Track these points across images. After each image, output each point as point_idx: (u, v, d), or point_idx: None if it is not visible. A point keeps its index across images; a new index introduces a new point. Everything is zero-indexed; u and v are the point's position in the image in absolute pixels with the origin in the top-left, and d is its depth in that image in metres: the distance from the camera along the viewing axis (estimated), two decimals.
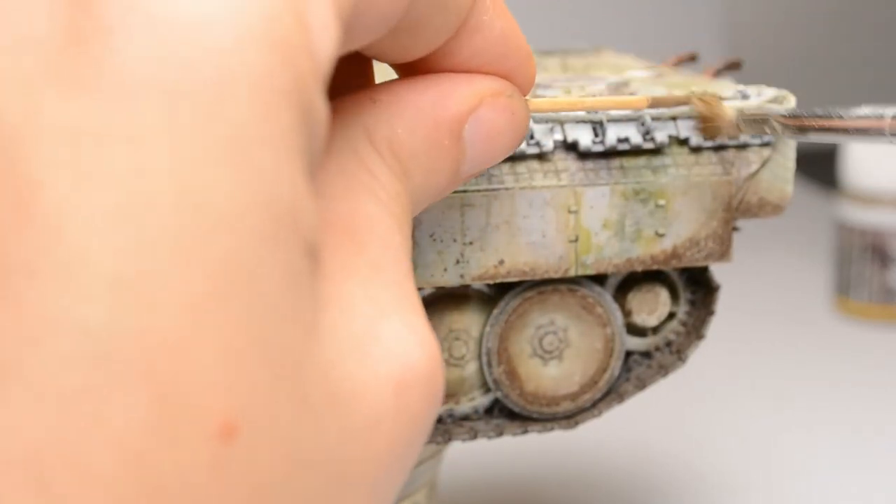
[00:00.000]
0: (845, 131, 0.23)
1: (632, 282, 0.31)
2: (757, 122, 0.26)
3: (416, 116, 0.20)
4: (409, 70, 0.20)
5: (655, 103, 0.29)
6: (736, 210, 0.30)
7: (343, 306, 0.16)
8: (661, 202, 0.29)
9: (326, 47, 0.15)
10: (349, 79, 0.21)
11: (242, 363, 0.14)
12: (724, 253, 0.30)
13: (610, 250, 0.29)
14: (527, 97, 0.22)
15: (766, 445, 0.49)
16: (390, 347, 0.16)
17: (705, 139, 0.29)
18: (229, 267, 0.14)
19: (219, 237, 0.14)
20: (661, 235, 0.29)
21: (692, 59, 0.36)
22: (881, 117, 0.22)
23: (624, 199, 0.29)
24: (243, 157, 0.14)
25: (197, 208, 0.13)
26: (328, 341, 0.15)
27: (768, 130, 0.26)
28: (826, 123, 0.24)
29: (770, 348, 0.60)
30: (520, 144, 0.22)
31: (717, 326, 0.33)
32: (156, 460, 0.13)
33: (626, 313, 0.31)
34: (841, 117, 0.24)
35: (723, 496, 0.44)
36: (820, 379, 0.56)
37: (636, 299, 0.31)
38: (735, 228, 0.30)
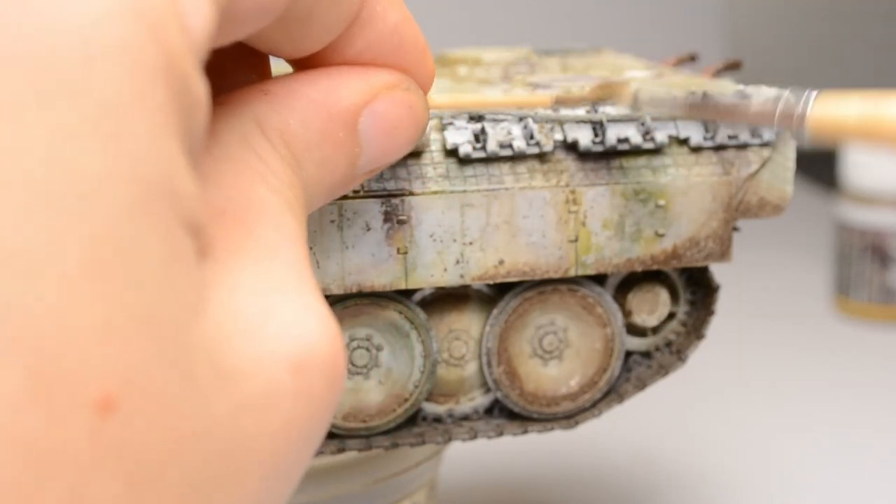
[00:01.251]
0: (744, 117, 0.23)
1: (632, 282, 0.31)
2: (656, 102, 0.26)
3: (308, 108, 0.19)
4: (304, 65, 0.20)
5: (559, 102, 0.29)
6: (736, 210, 0.30)
7: (233, 287, 0.16)
8: (661, 202, 0.29)
9: (199, 25, 0.15)
10: (246, 74, 0.21)
11: (120, 337, 0.13)
12: (723, 253, 0.30)
13: (610, 250, 0.29)
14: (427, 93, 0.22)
15: (765, 445, 0.49)
16: (286, 328, 0.16)
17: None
18: (102, 240, 0.13)
19: (91, 210, 0.13)
20: (661, 235, 0.29)
21: (692, 59, 0.36)
22: (776, 103, 0.22)
23: (624, 199, 0.29)
24: (113, 130, 0.14)
25: (68, 181, 0.13)
26: (216, 320, 0.15)
27: (670, 113, 0.26)
28: (720, 111, 0.24)
29: (770, 348, 0.60)
30: (419, 139, 0.22)
31: (717, 326, 0.33)
32: (32, 435, 0.13)
33: (626, 313, 0.31)
34: (736, 106, 0.23)
35: (723, 496, 0.44)
36: (820, 379, 0.56)
37: (636, 299, 0.31)
38: (735, 228, 0.30)
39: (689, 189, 0.29)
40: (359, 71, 0.20)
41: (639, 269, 0.29)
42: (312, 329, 0.17)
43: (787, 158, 0.30)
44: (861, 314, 0.64)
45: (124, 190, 0.14)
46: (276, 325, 0.16)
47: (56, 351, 0.13)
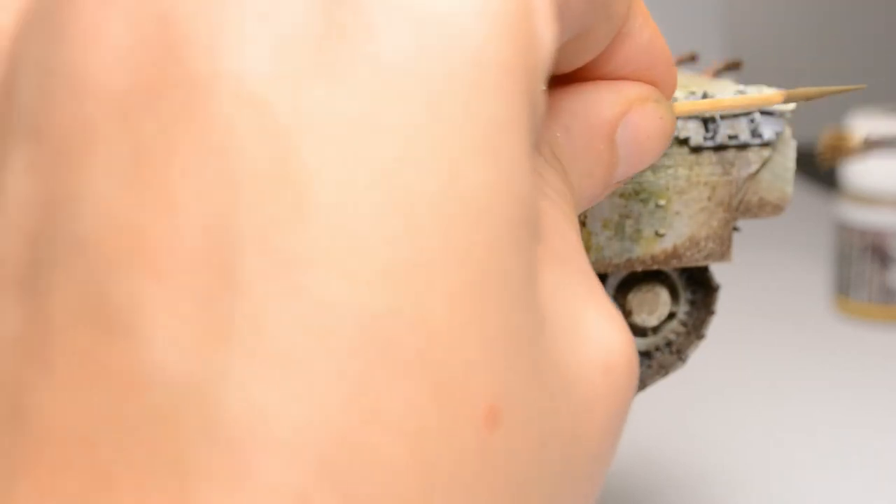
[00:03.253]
0: None
1: (632, 282, 0.31)
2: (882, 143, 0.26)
3: (572, 122, 0.20)
4: (564, 80, 0.21)
5: (789, 98, 0.28)
6: (736, 210, 0.30)
7: (548, 295, 0.17)
8: (661, 202, 0.29)
9: (550, 40, 0.16)
10: None
11: (500, 351, 0.14)
12: (724, 253, 0.30)
13: (610, 250, 0.29)
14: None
15: (765, 445, 0.49)
16: (593, 333, 0.17)
17: (826, 167, 0.29)
18: (487, 257, 0.14)
19: (479, 228, 0.14)
20: (661, 235, 0.29)
21: (692, 59, 0.36)
22: None
23: (624, 198, 0.29)
24: (497, 150, 0.14)
25: (460, 200, 0.14)
26: (549, 329, 0.16)
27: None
28: None
29: (770, 348, 0.60)
30: (667, 147, 0.22)
31: (717, 326, 0.33)
32: (432, 446, 0.13)
33: (626, 313, 0.31)
34: None
35: (723, 496, 0.44)
36: (820, 379, 0.56)
37: (636, 299, 0.31)
38: (735, 228, 0.30)
39: (689, 189, 0.29)
40: (613, 85, 0.21)
41: (639, 269, 0.29)
42: (613, 333, 0.17)
43: (787, 158, 0.30)
44: (861, 314, 0.64)
45: (506, 209, 0.14)
46: (585, 332, 0.17)
47: (451, 366, 0.13)
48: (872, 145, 0.27)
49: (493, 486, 0.14)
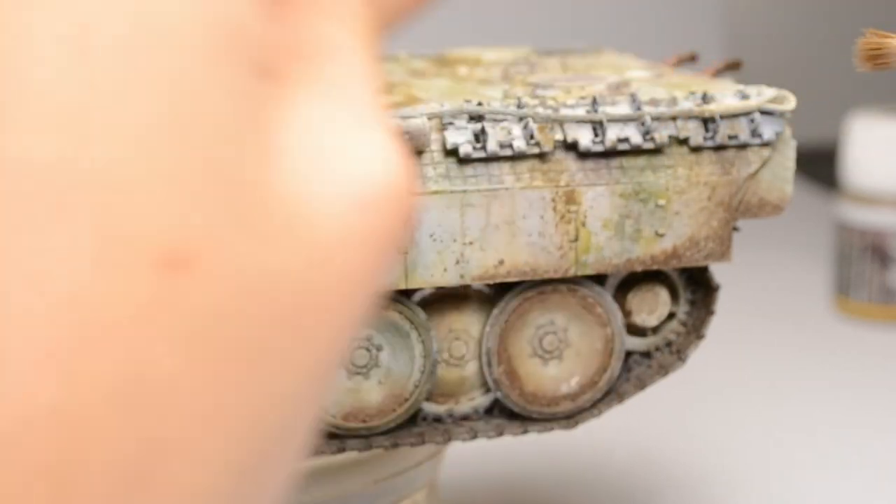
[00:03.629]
0: None
1: (632, 282, 0.31)
2: None
3: None
4: None
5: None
6: (736, 210, 0.30)
7: (303, 128, 0.15)
8: (661, 202, 0.29)
9: None
10: None
11: (191, 192, 0.13)
12: (723, 253, 0.30)
13: (610, 250, 0.29)
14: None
15: (765, 445, 0.49)
16: (354, 166, 0.16)
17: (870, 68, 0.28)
18: (177, 90, 0.13)
19: (167, 58, 0.13)
20: (661, 235, 0.29)
21: (692, 59, 0.36)
22: None
23: (624, 198, 0.29)
24: None
25: (146, 28, 0.13)
26: (287, 164, 0.15)
27: None
28: None
29: (770, 348, 0.60)
30: None
31: (717, 326, 0.33)
32: (93, 299, 0.12)
33: (626, 313, 0.31)
34: None
35: (723, 496, 0.44)
36: (820, 379, 0.56)
37: (636, 299, 0.31)
38: (735, 228, 0.30)
39: (689, 189, 0.29)
40: None
41: (639, 269, 0.29)
42: (379, 165, 0.16)
43: (787, 158, 0.30)
44: (861, 314, 0.64)
45: (202, 35, 0.13)
46: (345, 165, 0.16)
47: (122, 208, 0.13)
48: None
49: (169, 330, 0.13)
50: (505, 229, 0.28)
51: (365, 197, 0.16)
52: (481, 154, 0.28)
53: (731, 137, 0.29)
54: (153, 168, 0.13)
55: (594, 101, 0.29)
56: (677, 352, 0.32)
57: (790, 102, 0.29)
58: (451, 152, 0.28)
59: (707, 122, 0.29)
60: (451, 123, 0.28)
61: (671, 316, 0.32)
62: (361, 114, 0.16)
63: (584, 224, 0.29)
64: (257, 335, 0.14)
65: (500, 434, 0.31)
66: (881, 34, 0.27)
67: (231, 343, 0.14)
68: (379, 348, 0.29)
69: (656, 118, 0.29)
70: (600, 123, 0.28)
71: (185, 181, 0.13)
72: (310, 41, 0.17)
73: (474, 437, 0.31)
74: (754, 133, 0.29)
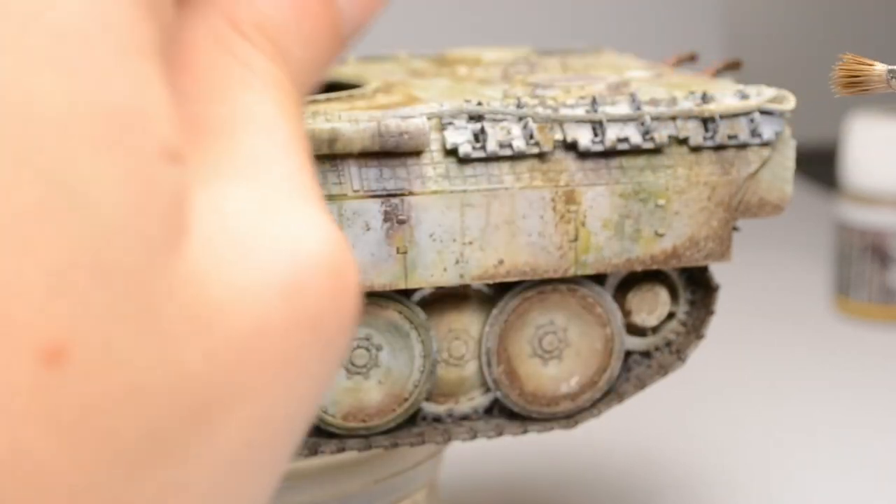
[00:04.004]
0: None
1: (632, 281, 0.31)
2: None
3: None
4: None
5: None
6: (736, 210, 0.30)
7: (222, 211, 0.15)
8: (661, 202, 0.29)
9: None
10: None
11: (73, 286, 0.13)
12: (723, 253, 0.30)
13: (610, 250, 0.29)
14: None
15: (765, 445, 0.49)
16: (279, 247, 0.15)
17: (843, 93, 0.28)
18: (58, 180, 0.13)
19: (47, 147, 0.13)
20: (661, 235, 0.29)
21: (692, 59, 0.36)
22: None
23: (624, 198, 0.29)
24: (70, 60, 0.13)
25: (22, 117, 0.13)
26: (204, 251, 0.14)
27: None
28: None
29: (770, 348, 0.60)
30: None
31: (717, 326, 0.33)
32: None
33: (626, 313, 0.31)
34: None
35: (723, 496, 0.44)
36: (820, 379, 0.56)
37: (636, 299, 0.31)
38: (735, 228, 0.30)
39: (688, 189, 0.29)
40: None
41: (638, 268, 0.29)
42: (308, 243, 0.15)
43: (786, 158, 0.30)
44: (861, 314, 0.64)
45: (86, 124, 0.13)
46: (268, 247, 0.15)
47: (6, 301, 0.12)
48: None
49: (48, 423, 0.13)
50: (505, 229, 0.28)
51: (288, 280, 0.15)
52: (481, 154, 0.28)
53: (730, 137, 0.29)
54: (27, 260, 0.13)
55: (594, 101, 0.29)
56: (677, 352, 0.32)
57: (790, 102, 0.29)
58: (451, 152, 0.28)
59: (707, 121, 0.29)
60: (450, 123, 0.28)
61: (671, 316, 0.32)
62: (288, 188, 0.16)
63: (583, 224, 0.29)
64: (148, 431, 0.13)
65: (500, 434, 0.31)
66: (859, 60, 0.27)
67: (119, 433, 0.13)
68: (378, 348, 0.29)
69: (656, 118, 0.29)
70: (600, 123, 0.28)
71: (66, 276, 0.13)
72: (226, 116, 0.16)
73: (474, 437, 0.31)
74: (754, 133, 0.29)
